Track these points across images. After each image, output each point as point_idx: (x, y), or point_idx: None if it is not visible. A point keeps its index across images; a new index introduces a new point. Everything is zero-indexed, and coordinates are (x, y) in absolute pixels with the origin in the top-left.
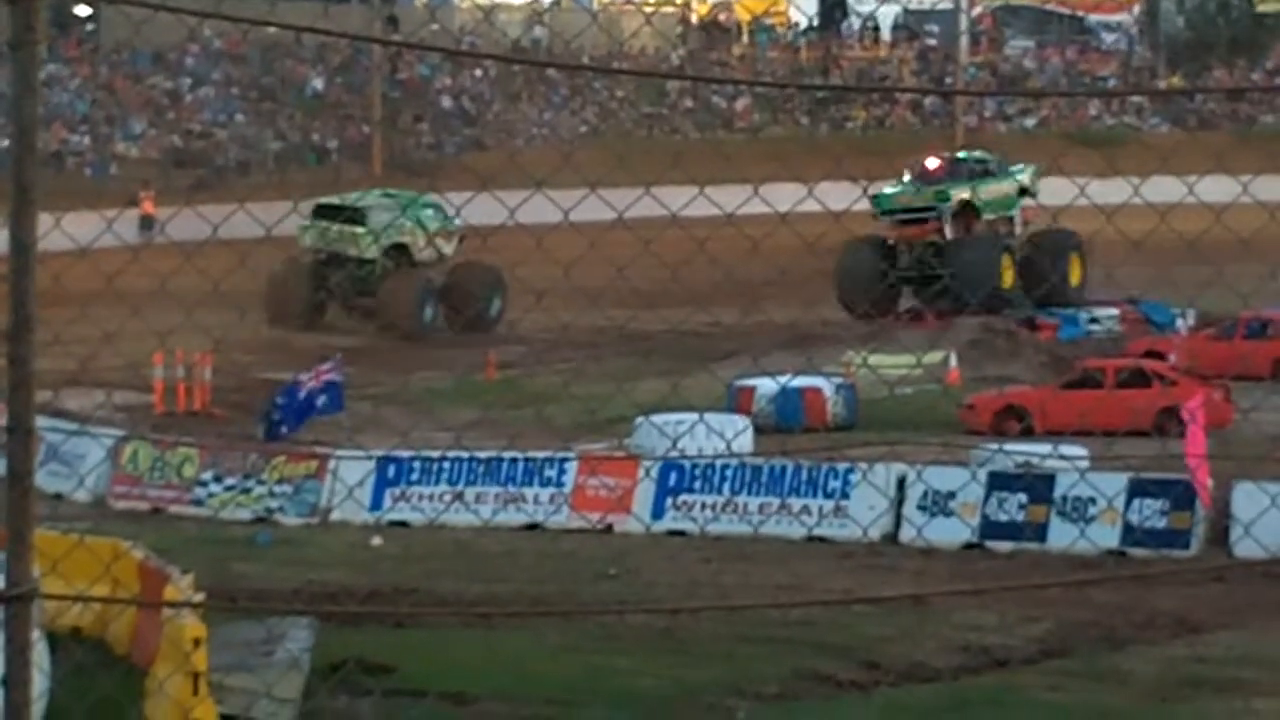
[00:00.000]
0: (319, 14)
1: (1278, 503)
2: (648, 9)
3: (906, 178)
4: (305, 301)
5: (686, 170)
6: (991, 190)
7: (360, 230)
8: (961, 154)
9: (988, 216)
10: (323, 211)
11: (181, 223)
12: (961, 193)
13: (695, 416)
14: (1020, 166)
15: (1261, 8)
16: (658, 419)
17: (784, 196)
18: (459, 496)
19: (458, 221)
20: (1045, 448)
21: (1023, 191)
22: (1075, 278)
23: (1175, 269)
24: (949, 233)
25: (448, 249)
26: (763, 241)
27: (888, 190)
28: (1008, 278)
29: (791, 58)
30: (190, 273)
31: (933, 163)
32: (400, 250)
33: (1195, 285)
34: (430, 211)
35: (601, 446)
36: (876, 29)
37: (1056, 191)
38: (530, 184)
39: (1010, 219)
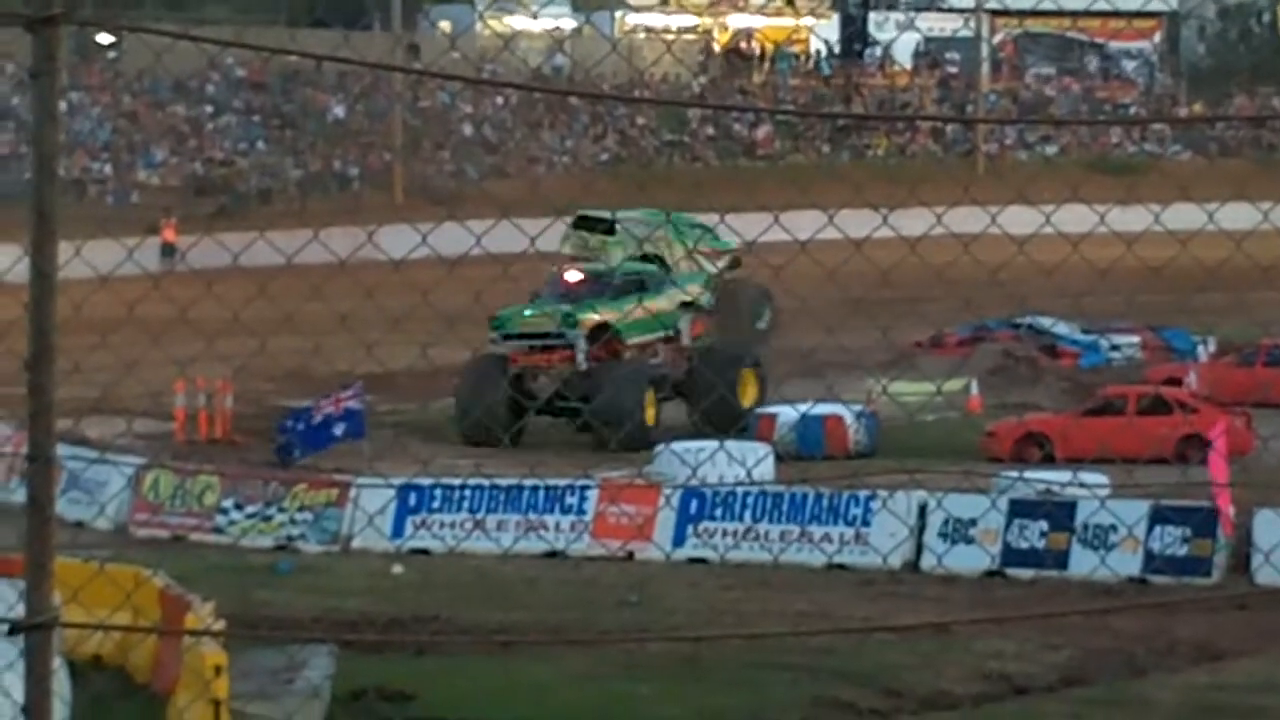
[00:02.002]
0: (339, 42)
1: None
2: (669, 36)
3: (546, 291)
4: None
5: (707, 198)
6: (642, 309)
7: (610, 239)
8: (623, 265)
9: (636, 340)
10: (581, 222)
11: (202, 251)
12: (597, 315)
13: (716, 444)
14: (690, 275)
15: None
16: (678, 447)
17: (804, 224)
18: (480, 524)
19: (728, 243)
20: (1066, 475)
21: (689, 304)
22: (748, 397)
23: (1196, 297)
24: (582, 361)
25: (712, 267)
26: (783, 269)
27: (514, 309)
28: (650, 413)
29: (814, 85)
30: (210, 301)
31: (573, 276)
32: (656, 262)
33: (1215, 313)
34: (698, 231)
35: (622, 474)
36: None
37: (1078, 220)
38: (551, 212)
39: (672, 337)
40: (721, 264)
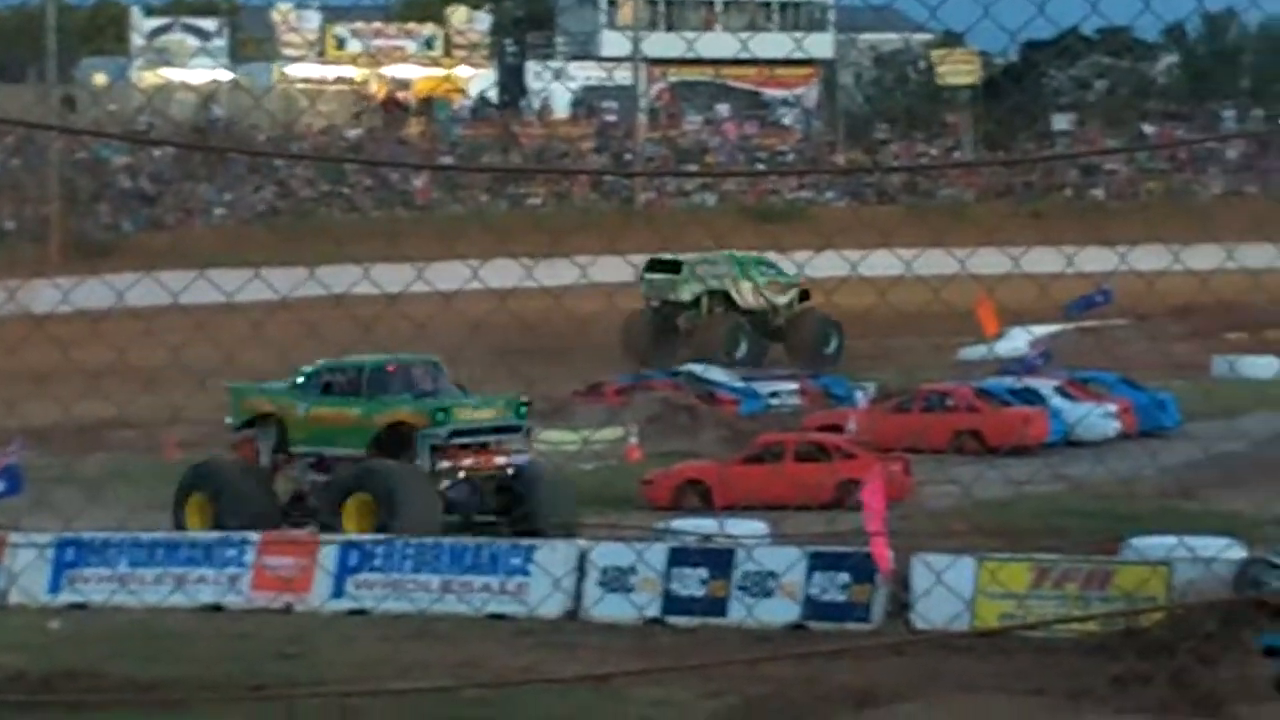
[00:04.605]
0: None
1: (943, 577)
2: (325, 88)
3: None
4: (650, 341)
5: (359, 249)
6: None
7: (677, 278)
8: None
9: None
10: (652, 265)
11: None
12: None
13: None
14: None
15: (945, 80)
16: None
17: (452, 275)
18: (138, 578)
19: (793, 276)
20: (722, 523)
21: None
22: None
23: (850, 344)
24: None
25: (781, 299)
26: (429, 322)
27: (447, 399)
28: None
29: (470, 135)
30: None
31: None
32: (723, 297)
33: (862, 358)
34: (763, 268)
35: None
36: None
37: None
38: (197, 266)
39: None
40: (789, 296)
